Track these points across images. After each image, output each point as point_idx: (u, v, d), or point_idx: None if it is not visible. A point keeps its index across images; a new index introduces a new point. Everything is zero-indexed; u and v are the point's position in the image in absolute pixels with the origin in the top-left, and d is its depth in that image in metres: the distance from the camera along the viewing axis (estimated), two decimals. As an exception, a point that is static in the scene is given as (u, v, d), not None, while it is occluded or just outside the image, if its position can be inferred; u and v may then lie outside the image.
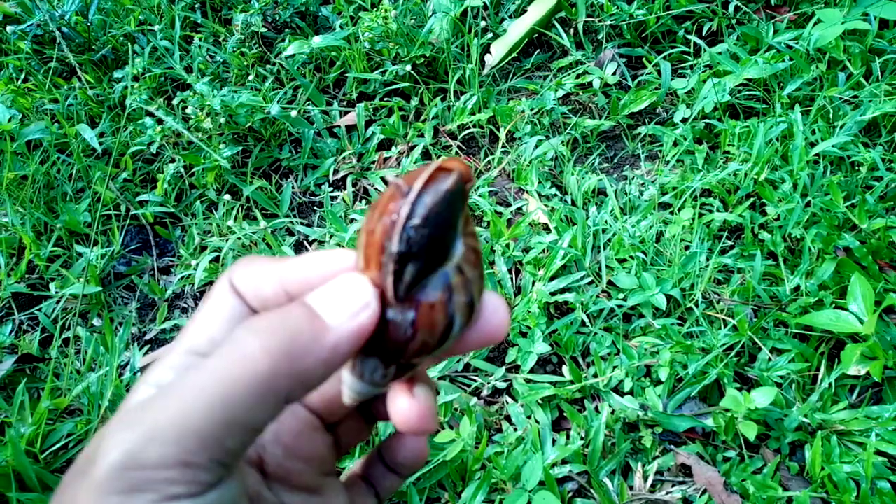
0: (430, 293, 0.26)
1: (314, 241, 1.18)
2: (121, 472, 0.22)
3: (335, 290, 0.26)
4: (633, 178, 1.21)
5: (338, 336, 0.25)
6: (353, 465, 0.36)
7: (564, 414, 0.94)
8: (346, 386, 0.29)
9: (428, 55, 1.33)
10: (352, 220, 1.18)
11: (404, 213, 0.25)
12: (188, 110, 1.24)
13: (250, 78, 1.35)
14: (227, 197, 1.21)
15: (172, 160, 1.25)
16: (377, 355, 0.28)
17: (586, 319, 1.00)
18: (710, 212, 1.11)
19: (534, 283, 1.04)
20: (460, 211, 0.27)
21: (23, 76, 1.40)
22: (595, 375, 0.96)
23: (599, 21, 1.39)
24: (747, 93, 1.26)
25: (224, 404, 0.23)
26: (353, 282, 0.26)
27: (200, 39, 1.42)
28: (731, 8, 1.38)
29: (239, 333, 0.24)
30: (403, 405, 0.30)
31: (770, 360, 0.95)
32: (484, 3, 1.38)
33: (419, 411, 0.30)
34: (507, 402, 0.96)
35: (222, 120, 1.23)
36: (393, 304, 0.26)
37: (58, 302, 1.10)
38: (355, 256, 0.28)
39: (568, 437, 0.91)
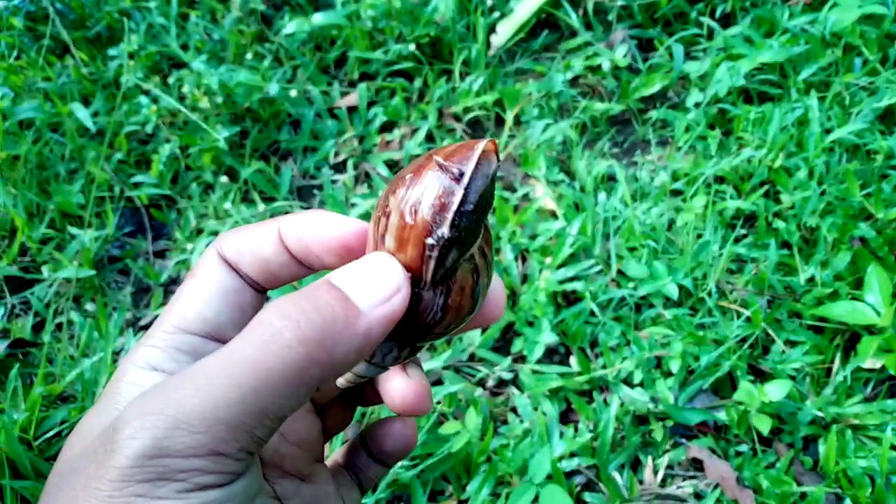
0: (460, 276, 0.26)
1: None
2: (146, 461, 0.21)
3: (366, 271, 0.25)
4: (643, 164, 1.17)
5: (370, 321, 0.24)
6: (334, 455, 0.35)
7: (572, 406, 0.91)
8: None
9: (432, 34, 1.29)
10: (353, 205, 1.15)
11: (458, 197, 0.24)
12: (184, 89, 1.20)
13: (248, 56, 1.31)
14: (224, 179, 1.18)
15: (168, 140, 1.21)
16: (394, 338, 0.27)
17: (595, 309, 0.98)
18: (724, 199, 1.08)
19: (541, 271, 1.02)
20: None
21: (15, 53, 1.35)
22: (604, 367, 0.93)
23: (610, 1, 1.35)
24: (762, 77, 1.22)
25: (256, 393, 0.22)
26: (385, 263, 0.25)
27: (197, 16, 1.37)
28: (744, -11, 1.34)
29: (268, 317, 0.23)
30: (399, 385, 0.29)
31: (784, 352, 0.93)
32: (490, -19, 1.34)
33: (416, 390, 0.29)
34: (514, 394, 0.93)
35: (219, 99, 1.19)
36: (424, 288, 0.26)
37: (50, 286, 1.07)
38: (370, 231, 0.26)
39: (576, 429, 0.89)
